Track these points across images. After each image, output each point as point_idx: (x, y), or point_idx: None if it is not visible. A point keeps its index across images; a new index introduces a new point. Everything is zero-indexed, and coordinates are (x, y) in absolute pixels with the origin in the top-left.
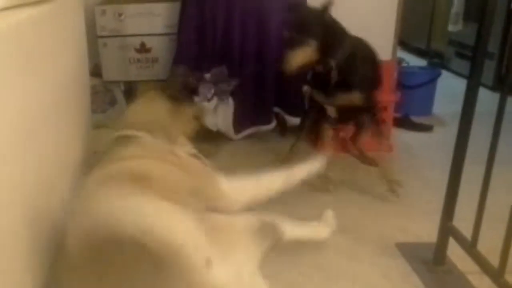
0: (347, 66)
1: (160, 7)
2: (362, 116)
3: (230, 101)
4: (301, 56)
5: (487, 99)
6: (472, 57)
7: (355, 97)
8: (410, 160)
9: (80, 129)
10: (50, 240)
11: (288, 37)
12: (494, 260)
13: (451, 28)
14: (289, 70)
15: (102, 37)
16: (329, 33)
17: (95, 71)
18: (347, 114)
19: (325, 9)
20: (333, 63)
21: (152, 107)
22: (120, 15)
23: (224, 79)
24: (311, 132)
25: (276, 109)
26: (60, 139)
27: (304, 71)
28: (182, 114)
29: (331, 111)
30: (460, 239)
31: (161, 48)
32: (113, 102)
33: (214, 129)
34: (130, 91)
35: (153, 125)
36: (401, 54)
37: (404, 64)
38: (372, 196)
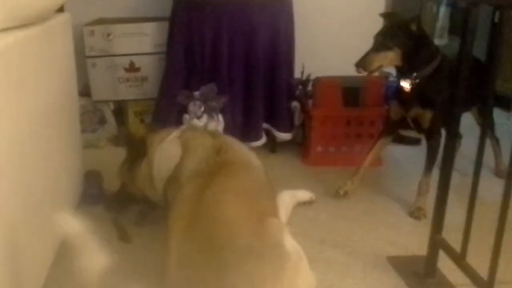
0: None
1: (148, 27)
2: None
3: (220, 118)
4: (382, 59)
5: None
6: (455, 72)
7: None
8: (398, 173)
9: (70, 149)
10: (40, 262)
11: (374, 39)
12: (483, 271)
13: (437, 41)
14: (368, 69)
15: (90, 57)
16: (415, 45)
17: (84, 91)
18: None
19: (413, 21)
20: (414, 77)
21: None
22: (108, 35)
23: (214, 97)
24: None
25: (266, 125)
26: (49, 159)
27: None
28: None
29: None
30: (449, 251)
31: (150, 67)
32: (102, 122)
33: None
34: (120, 110)
35: None
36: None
37: (391, 79)
38: (362, 209)
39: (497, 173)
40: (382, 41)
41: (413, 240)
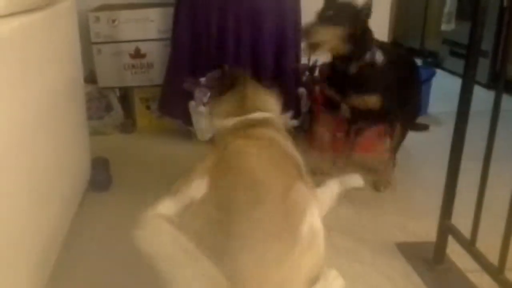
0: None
1: (153, 13)
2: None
3: None
4: (326, 33)
5: (482, 97)
6: (466, 56)
7: (371, 100)
8: (407, 159)
9: (76, 136)
10: (49, 249)
11: (321, 12)
12: (493, 257)
13: (444, 27)
14: (310, 39)
15: (96, 43)
16: (360, 31)
17: (90, 78)
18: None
19: (365, 8)
20: (353, 66)
21: (260, 94)
22: (113, 21)
23: None
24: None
25: None
26: (55, 147)
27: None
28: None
29: (345, 110)
30: (459, 237)
31: (155, 53)
32: (109, 108)
33: (211, 133)
34: (126, 97)
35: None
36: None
37: None
38: (370, 195)
39: None
40: (330, 16)
41: (422, 226)
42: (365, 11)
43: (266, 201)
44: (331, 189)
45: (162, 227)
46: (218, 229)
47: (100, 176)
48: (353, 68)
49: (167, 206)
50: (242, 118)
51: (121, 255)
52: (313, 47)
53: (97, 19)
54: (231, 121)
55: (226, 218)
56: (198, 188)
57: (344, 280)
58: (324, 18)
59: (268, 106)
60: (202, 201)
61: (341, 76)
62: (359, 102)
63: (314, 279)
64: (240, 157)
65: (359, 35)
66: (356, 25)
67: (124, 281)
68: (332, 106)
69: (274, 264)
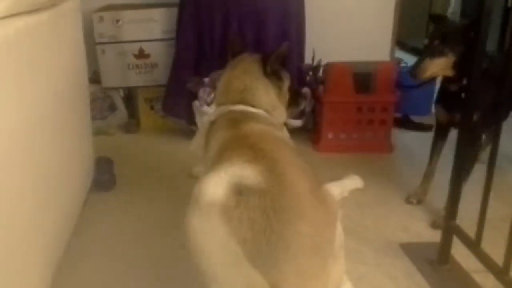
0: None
1: (157, 13)
2: None
3: None
4: (436, 66)
5: None
6: (471, 56)
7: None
8: (411, 159)
9: (80, 136)
10: (53, 249)
11: (429, 44)
12: (498, 258)
13: None
14: (421, 77)
15: (100, 43)
16: (467, 51)
17: (94, 78)
18: None
19: (470, 27)
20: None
21: (258, 84)
22: (117, 21)
23: None
24: None
25: None
26: (60, 146)
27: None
28: (283, 93)
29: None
30: (463, 238)
31: (159, 53)
32: (112, 109)
33: None
34: (130, 97)
35: (267, 103)
36: (399, 54)
37: (402, 64)
38: (374, 196)
39: None
40: (438, 46)
41: (426, 226)
42: (470, 28)
43: (310, 213)
44: (332, 192)
45: (216, 219)
46: (265, 238)
47: (104, 176)
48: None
49: (219, 185)
50: (226, 109)
51: (124, 255)
52: (426, 80)
53: (101, 19)
54: (217, 111)
55: (274, 228)
56: (242, 169)
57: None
58: (432, 50)
59: (259, 98)
60: (247, 206)
61: (448, 95)
62: None
63: None
64: (276, 163)
65: (467, 55)
66: (464, 48)
67: (127, 281)
68: None
69: (313, 277)
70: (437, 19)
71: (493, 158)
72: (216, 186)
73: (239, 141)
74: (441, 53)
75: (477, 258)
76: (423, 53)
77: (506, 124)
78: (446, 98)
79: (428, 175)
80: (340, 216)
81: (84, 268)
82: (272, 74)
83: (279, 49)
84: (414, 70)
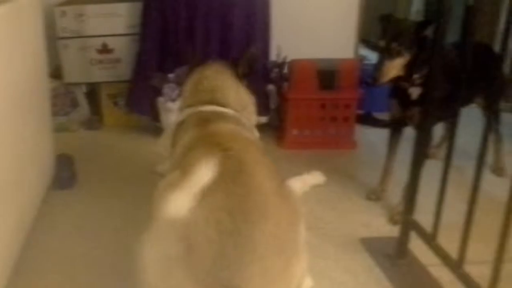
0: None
1: (121, 7)
2: None
3: None
4: (395, 67)
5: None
6: (431, 52)
7: None
8: (372, 155)
9: (40, 132)
10: (10, 245)
11: (385, 46)
12: (454, 252)
13: None
14: (384, 80)
15: (62, 38)
16: (423, 48)
17: (56, 73)
18: None
19: (422, 25)
20: (417, 79)
21: (229, 84)
22: (80, 16)
23: None
24: None
25: None
26: (18, 142)
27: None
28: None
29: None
30: (420, 232)
31: (123, 48)
32: (75, 105)
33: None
34: (92, 92)
35: (237, 103)
36: (363, 51)
37: (366, 62)
38: (336, 192)
39: (495, 170)
40: (396, 47)
41: (385, 222)
42: (422, 27)
43: (275, 213)
44: (294, 188)
45: (167, 237)
46: (232, 240)
47: (64, 173)
48: (415, 88)
49: (180, 201)
50: (195, 110)
51: (85, 255)
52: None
53: (64, 13)
54: (185, 112)
55: (240, 229)
56: (205, 174)
57: (309, 276)
58: (390, 52)
59: (230, 98)
60: (213, 207)
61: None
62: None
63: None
64: (243, 163)
65: (418, 53)
66: (417, 46)
67: (86, 278)
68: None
69: (278, 277)
70: (386, 20)
71: (449, 155)
72: (176, 204)
73: (206, 140)
74: (398, 54)
75: (433, 252)
76: (380, 56)
77: (464, 122)
78: (399, 93)
79: (386, 171)
80: (303, 213)
81: (42, 269)
82: (243, 76)
83: (249, 52)
84: (376, 75)
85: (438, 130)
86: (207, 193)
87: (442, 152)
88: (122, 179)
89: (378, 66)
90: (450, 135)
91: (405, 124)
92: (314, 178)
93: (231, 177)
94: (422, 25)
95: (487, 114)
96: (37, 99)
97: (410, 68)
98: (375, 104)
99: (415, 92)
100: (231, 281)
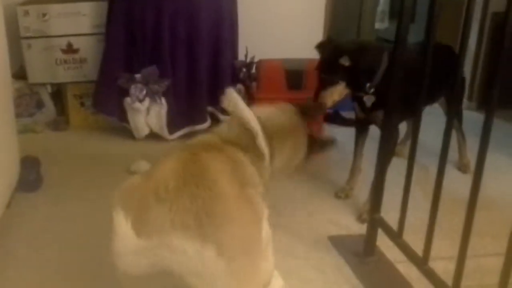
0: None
1: (86, 6)
2: None
3: (163, 101)
4: (334, 94)
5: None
6: (393, 51)
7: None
8: (341, 154)
9: (3, 134)
10: None
11: (320, 77)
12: (419, 248)
13: (377, 25)
14: (328, 106)
15: (25, 38)
16: (359, 68)
17: (20, 74)
18: None
19: (344, 57)
20: (368, 88)
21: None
22: (44, 15)
23: (156, 80)
24: None
25: (210, 109)
26: None
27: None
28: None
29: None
30: (387, 230)
31: (89, 48)
32: (40, 105)
33: (147, 130)
34: (58, 93)
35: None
36: None
37: None
38: (305, 191)
39: (460, 167)
40: (326, 79)
41: (354, 220)
42: (348, 58)
43: (239, 215)
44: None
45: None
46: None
47: (30, 176)
48: (369, 97)
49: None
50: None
51: (52, 259)
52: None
53: (26, 13)
54: None
55: (206, 232)
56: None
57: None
58: (323, 83)
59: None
60: (179, 210)
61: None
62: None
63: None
64: (207, 169)
65: (359, 70)
66: (352, 69)
67: (53, 284)
68: None
69: (245, 277)
70: (322, 48)
71: (412, 155)
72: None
73: (179, 149)
74: (331, 83)
75: (400, 249)
76: (317, 87)
77: (428, 122)
78: (356, 100)
79: (354, 170)
80: (266, 214)
81: (8, 274)
82: None
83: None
84: (318, 104)
85: (403, 127)
86: (172, 195)
87: (407, 150)
88: (89, 180)
89: (316, 97)
90: (413, 135)
91: (370, 123)
92: None
93: (195, 182)
94: (337, 55)
95: (449, 114)
96: None
97: (355, 84)
98: (343, 103)
99: (368, 101)
100: None
